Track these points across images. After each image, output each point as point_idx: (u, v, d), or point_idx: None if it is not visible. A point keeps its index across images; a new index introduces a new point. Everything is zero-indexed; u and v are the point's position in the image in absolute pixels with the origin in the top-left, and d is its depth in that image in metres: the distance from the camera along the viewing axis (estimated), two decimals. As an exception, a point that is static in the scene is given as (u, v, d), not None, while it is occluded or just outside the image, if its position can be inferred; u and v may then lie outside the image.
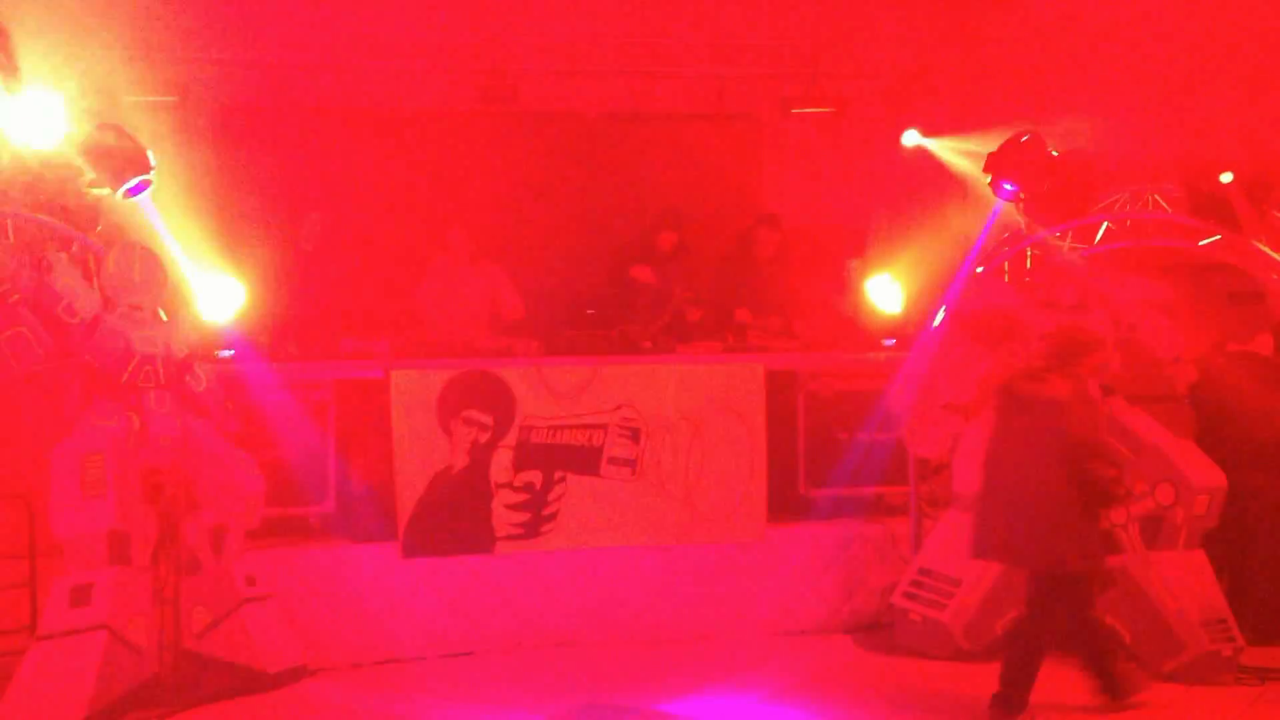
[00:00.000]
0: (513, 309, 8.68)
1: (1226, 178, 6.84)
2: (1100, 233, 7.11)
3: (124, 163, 6.14)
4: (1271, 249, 6.68)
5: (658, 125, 10.44)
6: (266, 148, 9.54)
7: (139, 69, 8.86)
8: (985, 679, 6.38)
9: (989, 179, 7.25)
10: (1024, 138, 7.12)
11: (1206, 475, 6.64)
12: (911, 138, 9.56)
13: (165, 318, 6.50)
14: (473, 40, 9.83)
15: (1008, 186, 7.09)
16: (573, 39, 9.97)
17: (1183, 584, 6.58)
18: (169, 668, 6.30)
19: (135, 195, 6.28)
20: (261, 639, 6.52)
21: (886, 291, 8.21)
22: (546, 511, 7.43)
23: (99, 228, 6.26)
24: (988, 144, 7.57)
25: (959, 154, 8.97)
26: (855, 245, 9.25)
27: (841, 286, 8.60)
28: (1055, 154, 7.21)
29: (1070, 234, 7.12)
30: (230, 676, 6.41)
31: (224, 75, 9.60)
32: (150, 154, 6.30)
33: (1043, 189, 7.11)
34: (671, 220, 9.07)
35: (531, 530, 7.39)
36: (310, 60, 9.81)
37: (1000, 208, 7.36)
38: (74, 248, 6.23)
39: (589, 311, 8.69)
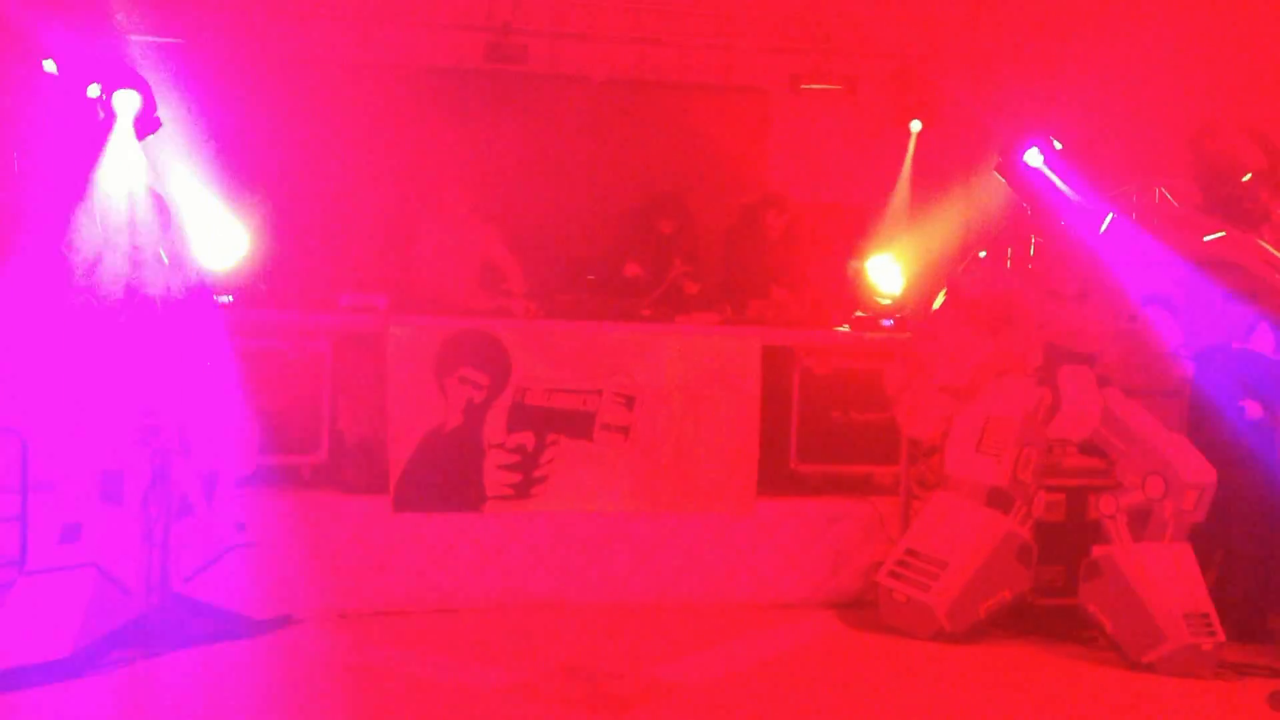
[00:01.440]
0: (512, 275, 8.64)
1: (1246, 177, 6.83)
2: (1106, 223, 7.11)
3: (135, 106, 6.10)
4: (1275, 246, 6.69)
5: (664, 94, 10.39)
6: (271, 94, 9.49)
7: (145, 10, 8.82)
8: (964, 661, 6.47)
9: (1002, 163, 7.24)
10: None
11: (1197, 470, 6.67)
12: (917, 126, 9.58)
13: (166, 261, 6.46)
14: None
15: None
16: (584, 1, 9.92)
17: (1167, 577, 6.62)
18: (156, 609, 6.30)
19: (143, 137, 6.24)
20: (248, 585, 6.54)
21: (887, 272, 8.23)
22: (537, 473, 7.45)
23: (104, 168, 6.21)
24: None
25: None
26: (859, 224, 9.26)
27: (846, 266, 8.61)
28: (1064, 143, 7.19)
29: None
30: (216, 621, 6.41)
31: (231, 19, 9.54)
32: (158, 96, 6.26)
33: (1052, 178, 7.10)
34: (670, 209, 9.03)
35: (522, 491, 7.41)
36: (318, 9, 9.76)
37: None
38: (78, 186, 6.17)
39: (589, 277, 8.69)
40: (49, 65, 6.62)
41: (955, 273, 7.51)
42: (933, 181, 9.31)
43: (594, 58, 10.31)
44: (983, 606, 6.89)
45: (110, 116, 6.09)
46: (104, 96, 6.06)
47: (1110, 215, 7.03)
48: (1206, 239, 6.95)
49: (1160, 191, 7.59)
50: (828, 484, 8.03)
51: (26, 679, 5.45)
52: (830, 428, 8.02)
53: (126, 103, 6.11)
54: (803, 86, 10.05)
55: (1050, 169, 7.04)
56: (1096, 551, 6.76)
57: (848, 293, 8.48)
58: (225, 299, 7.33)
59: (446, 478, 7.31)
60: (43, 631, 5.60)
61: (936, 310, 7.47)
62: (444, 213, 8.73)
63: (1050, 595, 7.19)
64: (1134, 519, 6.76)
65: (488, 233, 8.75)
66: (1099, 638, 6.70)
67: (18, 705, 5.28)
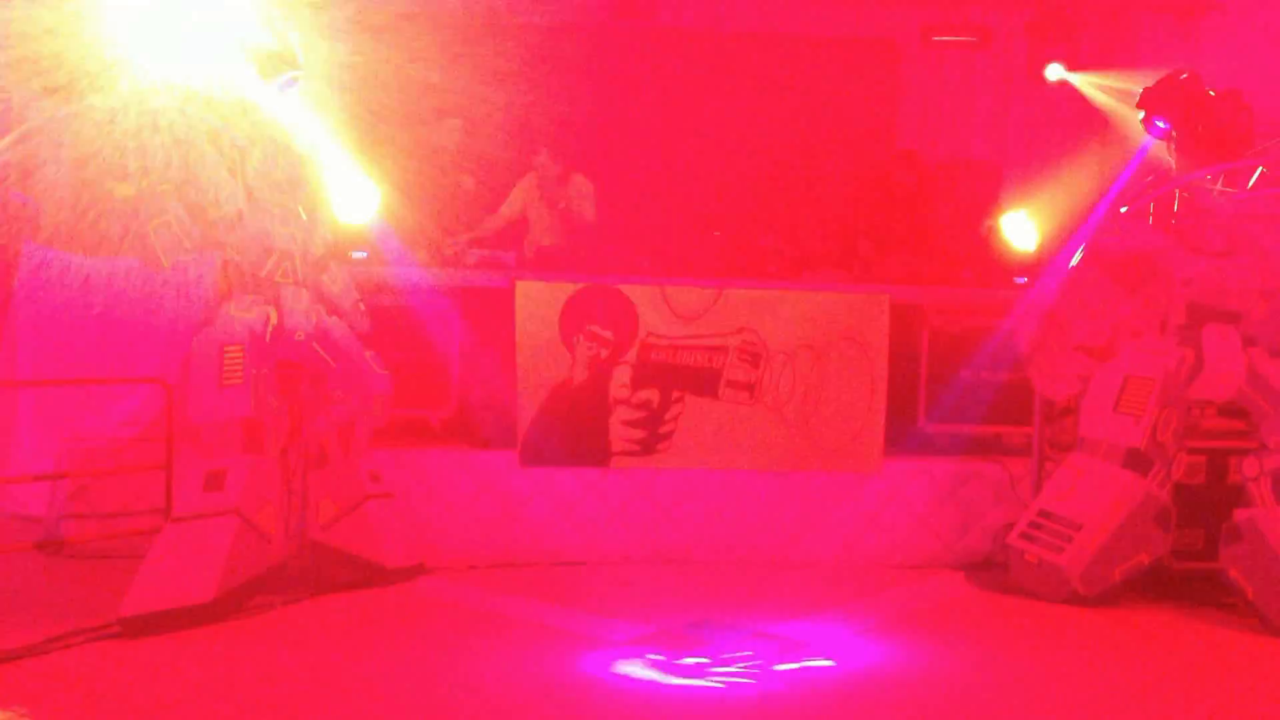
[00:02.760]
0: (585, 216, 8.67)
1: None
2: (1254, 178, 6.85)
3: (276, 59, 6.20)
4: None
5: (793, 47, 10.26)
6: (407, 52, 9.57)
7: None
8: (1096, 625, 6.32)
9: (1141, 115, 7.04)
10: (1182, 75, 6.89)
11: (1346, 433, 6.42)
12: (1055, 71, 9.28)
13: (305, 216, 6.59)
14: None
15: (1160, 124, 6.88)
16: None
17: (1312, 542, 6.39)
18: (294, 556, 6.50)
19: (284, 91, 6.35)
20: (383, 535, 6.69)
21: (1021, 228, 8.04)
22: (663, 430, 7.47)
23: (246, 123, 6.34)
24: (1136, 81, 7.34)
25: (1105, 90, 8.69)
26: (993, 179, 9.06)
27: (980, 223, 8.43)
28: (1212, 94, 6.92)
29: (1222, 178, 6.86)
30: (352, 568, 6.59)
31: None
32: (300, 52, 6.36)
33: (1198, 129, 6.85)
34: None
35: (647, 447, 7.44)
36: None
37: (1149, 145, 7.14)
38: (223, 142, 6.31)
39: (715, 233, 8.65)
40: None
41: (1095, 228, 7.29)
42: (1070, 134, 9.06)
43: (722, 9, 10.20)
44: (1118, 570, 6.73)
45: (252, 70, 6.19)
46: (247, 51, 6.16)
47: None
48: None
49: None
50: (957, 444, 7.92)
51: (173, 622, 5.64)
52: (960, 387, 7.90)
53: (267, 58, 6.21)
54: (935, 39, 9.84)
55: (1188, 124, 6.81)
56: (1238, 515, 6.55)
57: (981, 250, 8.30)
58: (360, 254, 7.45)
59: (573, 433, 7.38)
60: (188, 576, 5.78)
61: (1074, 267, 7.28)
62: (536, 173, 8.78)
63: (1189, 560, 7.02)
64: (1278, 482, 6.53)
65: (580, 184, 8.78)
66: (1240, 604, 6.51)
67: (164, 648, 5.47)
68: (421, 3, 9.74)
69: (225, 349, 6.11)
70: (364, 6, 9.20)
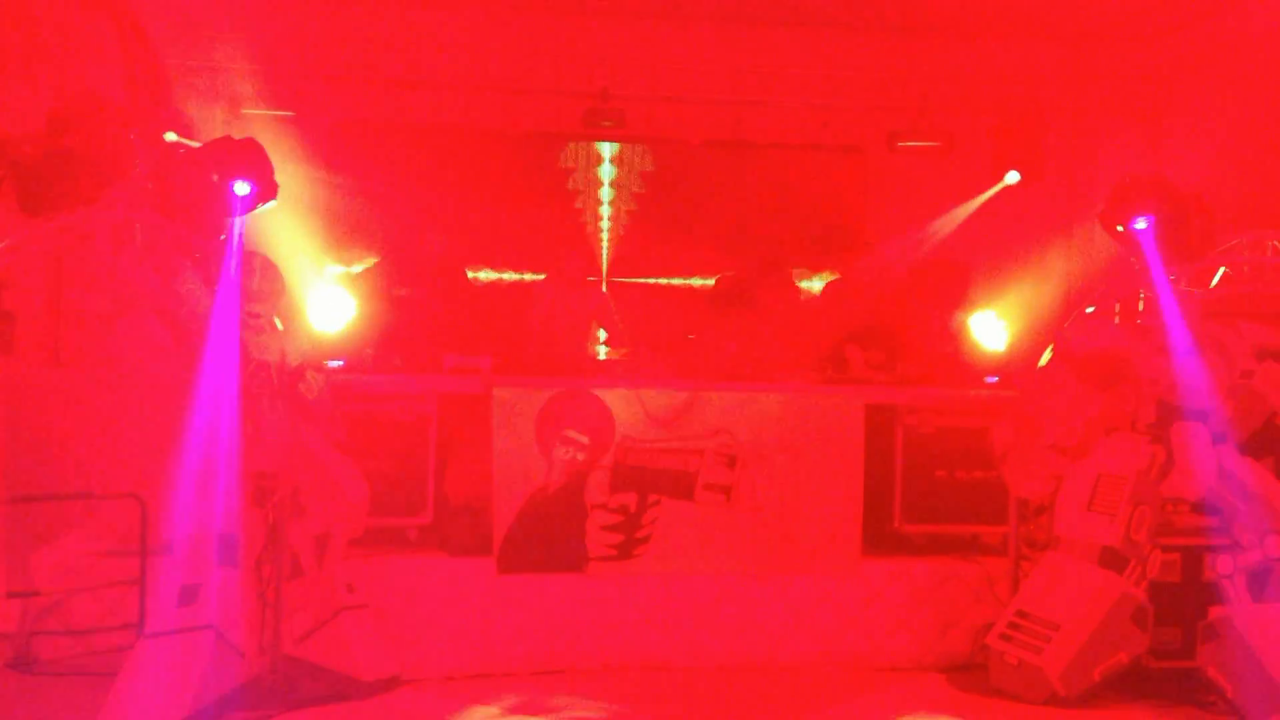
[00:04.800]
0: (616, 336, 8.75)
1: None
2: (1217, 277, 6.99)
3: (250, 174, 6.29)
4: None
5: (762, 155, 10.47)
6: (378, 162, 9.75)
7: (259, 85, 9.11)
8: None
9: (1114, 213, 7.15)
10: (1153, 174, 7.03)
11: (1319, 529, 6.48)
12: (1013, 177, 9.51)
13: (280, 326, 6.62)
14: (582, 64, 9.96)
15: (1139, 223, 6.96)
16: (681, 65, 10.05)
17: (1290, 639, 6.41)
18: (269, 670, 6.42)
19: (258, 207, 6.43)
20: (358, 647, 6.61)
21: (990, 328, 8.14)
22: (640, 534, 7.45)
23: (222, 236, 6.40)
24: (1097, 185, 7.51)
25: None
26: (961, 280, 9.18)
27: (949, 322, 8.54)
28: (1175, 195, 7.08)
29: (1185, 277, 6.99)
30: (327, 682, 6.50)
31: (338, 92, 9.83)
32: (274, 166, 6.45)
33: (1167, 228, 6.99)
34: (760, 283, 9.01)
35: (625, 552, 7.42)
36: (422, 78, 10.01)
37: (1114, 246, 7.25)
38: (198, 254, 6.37)
39: (689, 336, 8.72)
40: (169, 136, 6.87)
41: (1063, 328, 7.40)
42: (1036, 236, 9.23)
43: (692, 120, 10.43)
44: (1097, 670, 6.72)
45: (227, 187, 6.27)
46: (222, 168, 6.25)
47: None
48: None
49: (1273, 244, 7.43)
50: (933, 544, 7.92)
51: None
52: (935, 487, 7.93)
53: (243, 174, 6.29)
54: (900, 144, 10.05)
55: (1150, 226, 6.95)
56: (1214, 613, 6.58)
57: (950, 350, 8.39)
58: (335, 363, 7.48)
59: (550, 539, 7.35)
60: (161, 694, 5.69)
61: (1044, 366, 7.37)
62: (559, 277, 8.89)
63: (1167, 658, 7.00)
64: (1253, 579, 6.57)
65: (599, 295, 8.90)
66: (1219, 702, 6.51)
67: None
68: (384, 111, 9.94)
69: (200, 461, 6.08)
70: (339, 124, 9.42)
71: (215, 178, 6.15)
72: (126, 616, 6.52)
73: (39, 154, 6.16)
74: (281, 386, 6.53)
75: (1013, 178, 9.68)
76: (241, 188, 6.21)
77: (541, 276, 9.12)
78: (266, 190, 6.34)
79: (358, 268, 7.75)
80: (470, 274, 9.91)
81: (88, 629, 6.77)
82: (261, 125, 8.62)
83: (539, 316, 8.77)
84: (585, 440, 7.43)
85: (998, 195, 9.85)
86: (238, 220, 6.31)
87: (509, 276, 9.80)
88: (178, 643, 5.80)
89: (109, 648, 6.38)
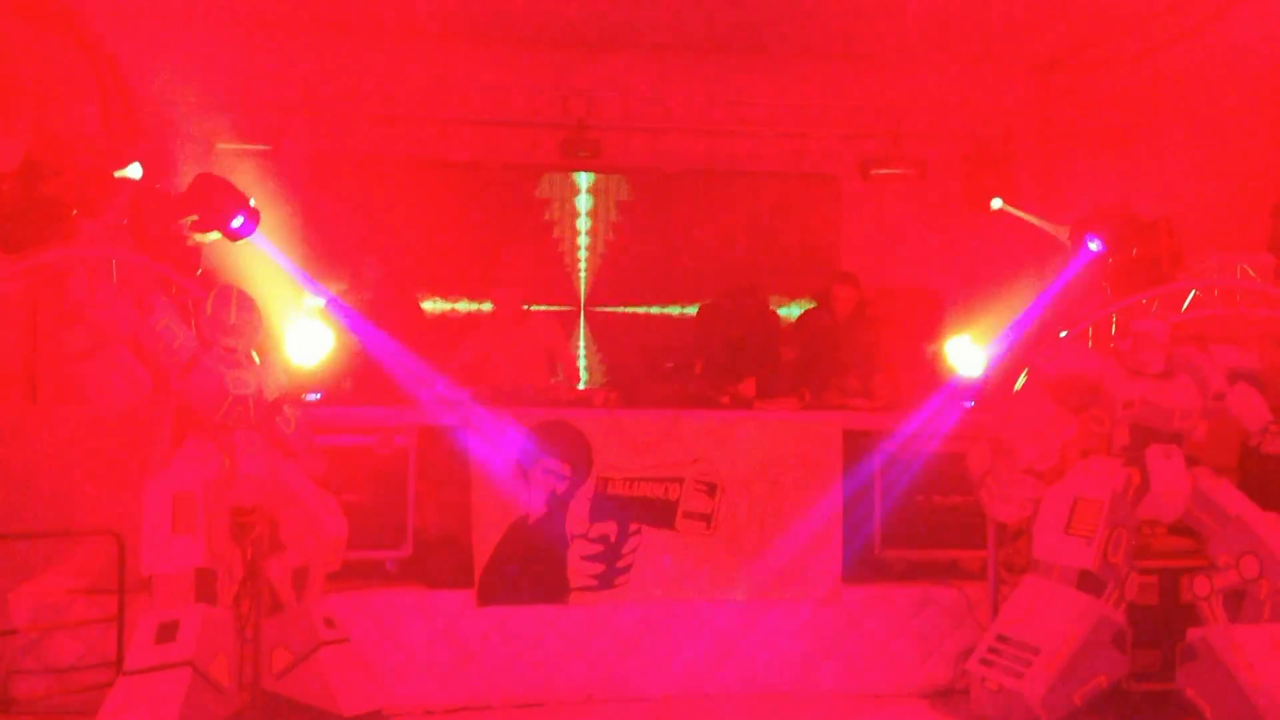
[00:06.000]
0: (569, 367, 8.76)
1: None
2: (1188, 300, 7.06)
3: (229, 209, 6.31)
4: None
5: (738, 183, 10.54)
6: (356, 195, 9.78)
7: (233, 119, 9.14)
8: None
9: (1074, 237, 7.24)
10: (1112, 202, 7.14)
11: (1293, 549, 6.52)
12: (997, 203, 9.59)
13: (258, 360, 6.62)
14: (558, 95, 10.03)
15: (1093, 246, 7.06)
16: (657, 95, 10.12)
17: (1266, 659, 6.44)
18: (249, 707, 6.39)
19: (238, 239, 6.44)
20: (338, 682, 6.56)
21: (966, 353, 8.18)
22: (621, 564, 7.45)
23: (198, 271, 6.41)
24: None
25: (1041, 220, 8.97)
26: (935, 306, 9.25)
27: (924, 348, 8.59)
28: (1142, 220, 7.16)
29: (1157, 300, 7.07)
30: (307, 718, 6.46)
31: (315, 124, 9.86)
32: (252, 201, 6.47)
33: (1130, 253, 7.08)
34: (739, 310, 9.05)
35: (606, 582, 7.42)
36: (397, 111, 10.05)
37: (1079, 267, 7.33)
38: (173, 289, 6.38)
39: (667, 365, 8.74)
40: (133, 170, 6.85)
41: (1037, 353, 7.46)
42: (1009, 261, 9.29)
43: (668, 150, 10.49)
44: (1078, 694, 6.73)
45: (206, 222, 6.29)
46: (200, 204, 6.27)
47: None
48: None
49: (1242, 267, 7.52)
50: (913, 569, 7.94)
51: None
52: (914, 512, 7.94)
53: (221, 209, 6.31)
54: (873, 172, 10.14)
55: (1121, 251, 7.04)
56: (1192, 635, 6.61)
57: (926, 376, 8.43)
58: (313, 396, 7.47)
59: (530, 570, 7.34)
60: (140, 733, 5.65)
61: (1019, 391, 7.42)
62: (500, 309, 8.90)
63: (1146, 680, 7.03)
64: (1229, 600, 6.61)
65: (550, 325, 8.89)
66: (1198, 723, 6.53)
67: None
68: (360, 144, 9.97)
69: (177, 497, 6.07)
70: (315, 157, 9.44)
71: (190, 218, 6.16)
72: (105, 654, 6.49)
73: (15, 192, 6.16)
74: (259, 421, 6.51)
75: (997, 204, 9.77)
76: (214, 224, 6.23)
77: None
78: (244, 225, 6.36)
79: (327, 300, 7.74)
80: (449, 305, 9.95)
81: (66, 667, 6.73)
82: (237, 160, 8.66)
83: (480, 348, 8.77)
84: (565, 470, 7.43)
85: (971, 221, 9.94)
86: (214, 255, 6.33)
87: (487, 307, 9.77)
88: (156, 680, 5.76)
89: (88, 686, 6.34)
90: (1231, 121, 8.12)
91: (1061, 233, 8.06)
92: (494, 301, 9.01)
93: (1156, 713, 6.82)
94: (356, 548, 7.08)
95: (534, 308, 9.12)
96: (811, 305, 9.18)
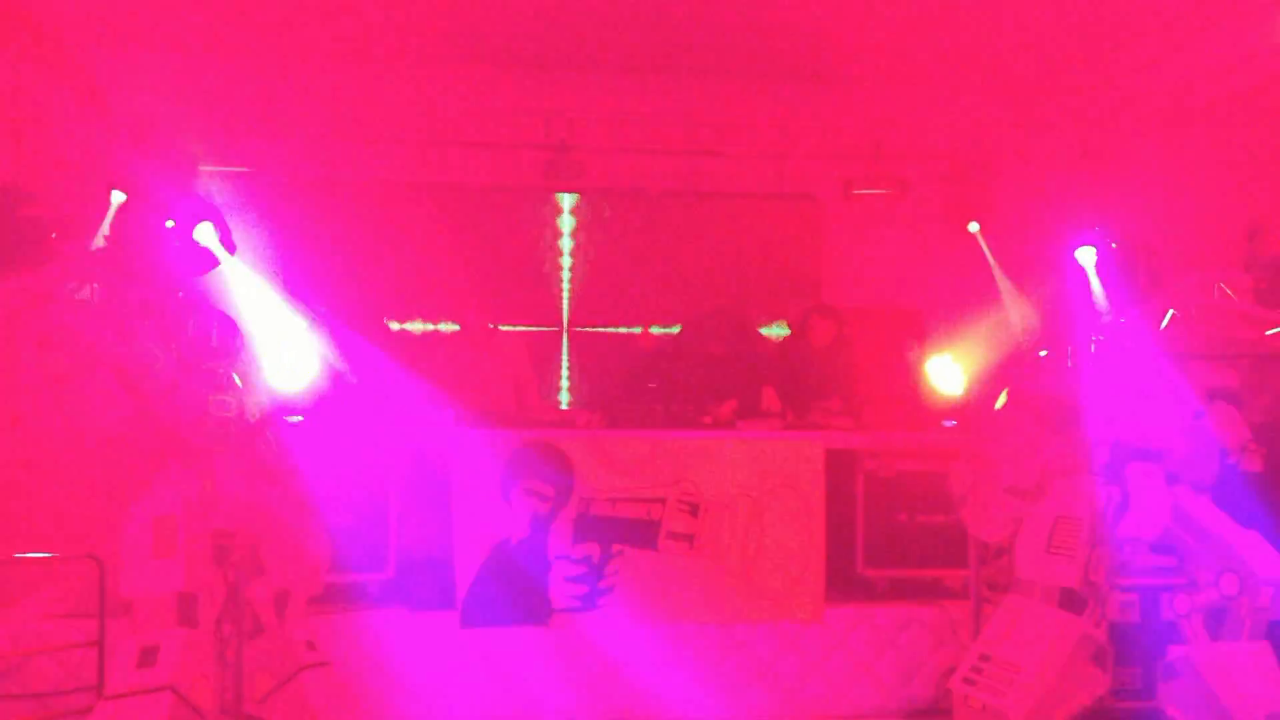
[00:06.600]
0: (529, 389, 8.76)
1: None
2: (1166, 319, 7.09)
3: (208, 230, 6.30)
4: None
5: (719, 204, 10.58)
6: (335, 219, 9.78)
7: (215, 141, 9.14)
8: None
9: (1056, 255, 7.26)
10: (1092, 222, 7.17)
11: (1273, 566, 6.54)
12: (975, 226, 9.66)
13: (240, 382, 6.60)
14: (540, 117, 10.06)
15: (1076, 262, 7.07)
16: (639, 117, 10.16)
17: (1246, 677, 6.46)
18: (230, 731, 6.36)
19: (216, 264, 6.43)
20: (320, 705, 6.54)
21: (947, 372, 8.22)
22: (603, 584, 7.45)
23: (179, 293, 6.40)
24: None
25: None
26: (916, 326, 9.30)
27: (905, 365, 8.63)
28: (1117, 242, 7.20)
29: (1135, 319, 7.09)
30: (289, 742, 6.44)
31: (296, 147, 9.87)
32: (229, 223, 6.46)
33: (1110, 273, 7.10)
34: (721, 329, 9.08)
35: (589, 603, 7.41)
36: (378, 134, 10.07)
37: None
38: (154, 312, 6.35)
39: (649, 385, 8.76)
40: (117, 195, 6.85)
41: (1017, 372, 7.48)
42: (989, 281, 9.35)
43: (649, 170, 10.53)
44: (1061, 712, 6.73)
45: (185, 244, 6.27)
46: (179, 225, 6.25)
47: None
48: (1270, 332, 6.91)
49: (1220, 286, 7.55)
50: (896, 589, 7.96)
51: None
52: (896, 531, 7.97)
53: (200, 231, 6.30)
54: (855, 192, 10.19)
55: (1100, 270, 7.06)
56: (1173, 652, 6.62)
57: (907, 395, 8.47)
58: (295, 419, 7.44)
59: (513, 592, 7.33)
60: (120, 757, 5.61)
61: (999, 410, 7.44)
62: (466, 328, 8.90)
63: (1129, 699, 7.03)
64: (1210, 618, 6.62)
65: (513, 346, 8.89)
66: (1180, 741, 6.53)
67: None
68: (354, 172, 9.98)
69: (158, 520, 6.05)
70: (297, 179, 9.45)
71: (175, 240, 6.15)
72: (86, 679, 6.44)
73: (-5, 216, 6.15)
74: (241, 443, 6.49)
75: (974, 227, 9.83)
76: (199, 244, 6.22)
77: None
78: (224, 246, 6.35)
79: (310, 321, 7.73)
80: (431, 326, 9.94)
81: (47, 692, 6.69)
82: (219, 181, 8.66)
83: (446, 367, 8.76)
84: (548, 491, 7.43)
85: (952, 240, 9.99)
86: (195, 277, 6.32)
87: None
88: (137, 705, 5.71)
89: (68, 711, 6.30)
90: (1206, 144, 8.18)
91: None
92: (459, 322, 9.01)
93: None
94: (339, 570, 7.08)
95: (501, 327, 9.12)
96: (790, 334, 9.21)
